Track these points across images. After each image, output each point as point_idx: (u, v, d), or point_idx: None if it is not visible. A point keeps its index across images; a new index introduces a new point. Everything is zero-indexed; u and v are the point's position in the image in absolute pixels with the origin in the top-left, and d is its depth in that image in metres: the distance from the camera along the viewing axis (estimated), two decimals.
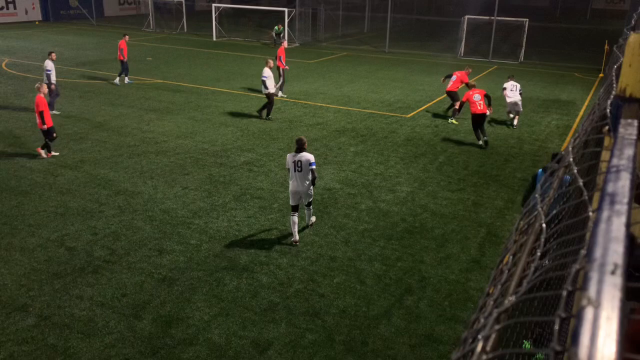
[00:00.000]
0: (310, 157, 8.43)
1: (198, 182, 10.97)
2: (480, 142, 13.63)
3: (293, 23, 31.17)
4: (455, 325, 6.78)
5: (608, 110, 1.52)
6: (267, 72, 15.04)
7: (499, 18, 27.35)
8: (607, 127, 1.45)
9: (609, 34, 27.66)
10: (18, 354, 6.07)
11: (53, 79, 15.28)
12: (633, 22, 8.81)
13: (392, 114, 16.53)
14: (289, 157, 8.53)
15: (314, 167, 8.44)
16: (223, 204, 9.96)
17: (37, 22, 37.75)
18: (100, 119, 15.14)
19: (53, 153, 12.14)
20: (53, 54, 15.66)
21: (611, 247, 0.67)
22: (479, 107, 13.45)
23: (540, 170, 9.62)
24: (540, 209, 1.45)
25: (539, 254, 1.21)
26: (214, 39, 32.53)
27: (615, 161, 1.01)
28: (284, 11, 30.11)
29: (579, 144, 1.84)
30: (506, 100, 15.44)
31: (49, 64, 15.25)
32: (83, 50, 26.99)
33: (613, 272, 0.62)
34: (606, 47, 23.98)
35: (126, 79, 19.21)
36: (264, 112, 15.67)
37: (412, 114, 16.73)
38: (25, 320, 6.63)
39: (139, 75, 20.38)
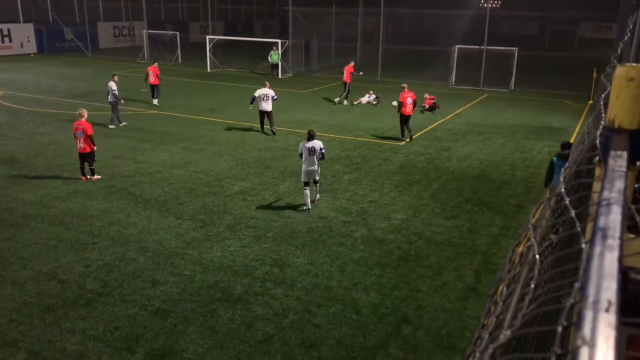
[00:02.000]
0: (320, 144, 10.91)
1: (192, 212, 10.92)
2: (406, 139, 16.72)
3: (286, 54, 31.58)
4: (453, 354, 6.69)
5: (598, 141, 1.53)
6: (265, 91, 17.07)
7: (489, 47, 27.84)
8: (597, 158, 1.46)
9: (597, 62, 28.16)
10: None
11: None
12: (619, 50, 8.99)
13: (385, 142, 16.64)
14: (302, 145, 10.91)
15: (323, 151, 10.95)
16: (217, 234, 9.90)
17: (32, 55, 38.08)
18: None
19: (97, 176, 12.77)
20: (115, 77, 17.98)
21: (604, 284, 0.67)
22: (407, 109, 16.38)
23: (555, 157, 9.30)
24: (533, 239, 1.45)
25: (533, 285, 1.21)
26: (208, 69, 32.87)
27: (606, 194, 1.01)
28: (277, 42, 30.54)
29: (569, 174, 1.85)
30: None
31: (113, 85, 17.48)
32: (77, 82, 27.17)
33: (607, 310, 0.62)
34: (594, 74, 24.39)
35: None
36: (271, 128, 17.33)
37: (405, 141, 16.84)
38: (15, 355, 6.49)
39: (134, 106, 20.48)
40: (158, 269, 8.61)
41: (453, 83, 28.54)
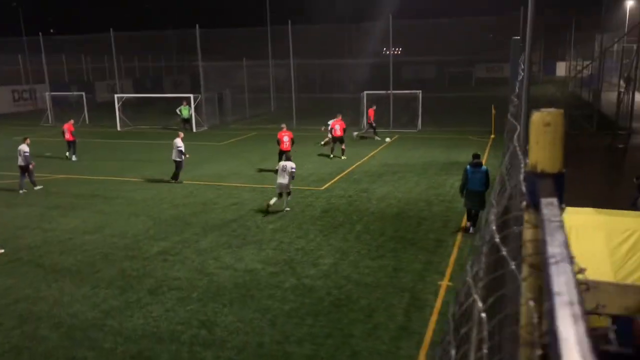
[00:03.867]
0: (293, 165, 14.04)
1: (109, 279, 10.28)
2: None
3: (200, 108, 31.41)
4: None
5: (523, 187, 1.59)
6: (179, 142, 17.55)
7: (395, 92, 29.30)
8: (524, 203, 1.51)
9: (493, 99, 30.44)
10: None
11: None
12: (517, 89, 9.75)
13: (306, 188, 16.76)
14: (280, 164, 14.27)
15: (294, 170, 13.96)
16: (137, 300, 9.35)
17: None
18: None
19: None
20: (27, 139, 17.17)
21: None
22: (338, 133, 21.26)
23: (468, 166, 12.20)
24: (476, 296, 1.44)
25: (485, 350, 1.19)
26: (118, 128, 31.89)
27: (551, 250, 1.03)
28: (189, 97, 30.34)
29: (499, 222, 1.89)
30: None
31: (25, 147, 16.71)
32: None
33: None
34: (493, 110, 26.24)
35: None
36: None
37: (325, 186, 17.07)
38: None
39: (39, 172, 19.30)
40: (74, 345, 7.93)
41: (364, 126, 29.56)
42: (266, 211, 14.03)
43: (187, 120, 30.18)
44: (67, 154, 22.71)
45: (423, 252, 11.31)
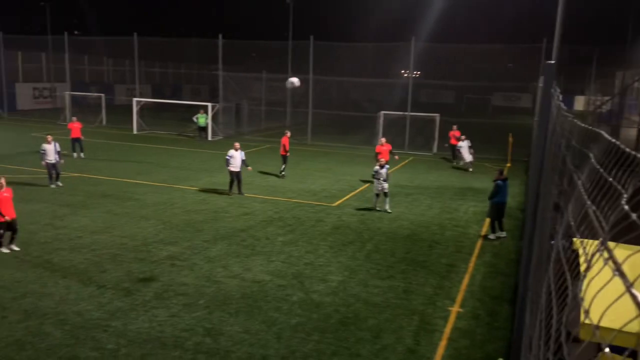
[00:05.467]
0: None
1: (116, 280, 10.20)
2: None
3: (217, 117, 31.57)
4: None
5: None
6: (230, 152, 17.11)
7: (412, 113, 29.25)
8: None
9: (510, 127, 30.31)
10: None
11: (48, 158, 16.91)
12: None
13: (318, 203, 16.66)
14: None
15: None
16: (143, 303, 9.26)
17: None
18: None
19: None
20: (49, 137, 17.24)
21: None
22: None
23: (500, 181, 13.48)
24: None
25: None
26: (135, 132, 32.11)
27: None
28: (206, 105, 30.52)
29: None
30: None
31: (46, 146, 16.90)
32: None
33: None
34: (510, 139, 26.09)
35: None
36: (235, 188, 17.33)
37: (337, 202, 16.96)
38: None
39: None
40: (78, 343, 7.83)
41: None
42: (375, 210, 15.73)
43: (203, 129, 30.31)
44: (75, 153, 22.82)
45: (434, 276, 11.13)
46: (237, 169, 17.00)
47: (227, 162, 17.03)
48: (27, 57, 43.53)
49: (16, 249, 11.38)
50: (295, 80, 11.54)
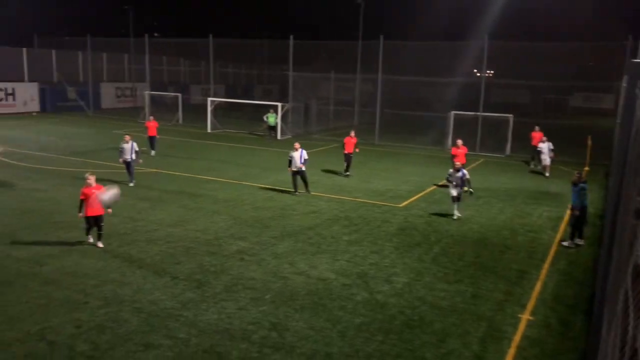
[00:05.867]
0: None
1: (188, 271, 10.65)
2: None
3: (286, 116, 32.13)
4: None
5: None
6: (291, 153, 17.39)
7: (484, 114, 28.42)
8: None
9: (589, 130, 28.77)
10: None
11: (125, 156, 17.59)
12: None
13: (384, 204, 16.58)
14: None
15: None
16: (213, 295, 9.61)
17: (34, 113, 38.57)
18: None
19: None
20: (127, 136, 17.79)
21: None
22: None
23: (582, 184, 13.01)
24: None
25: None
26: (208, 130, 33.28)
27: None
28: (276, 105, 31.12)
29: None
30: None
31: (124, 145, 17.53)
32: (77, 140, 27.37)
33: None
34: (589, 142, 24.77)
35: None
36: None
37: (404, 203, 16.79)
38: None
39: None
40: (152, 331, 8.26)
41: (449, 147, 28.89)
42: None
43: (273, 128, 30.92)
44: (153, 151, 23.70)
45: (504, 281, 10.79)
46: (299, 169, 17.16)
47: (289, 163, 17.31)
48: (111, 58, 46.20)
49: (101, 246, 11.87)
50: (108, 196, 10.01)
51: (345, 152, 20.81)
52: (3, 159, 21.27)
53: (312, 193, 17.40)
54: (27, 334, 8.02)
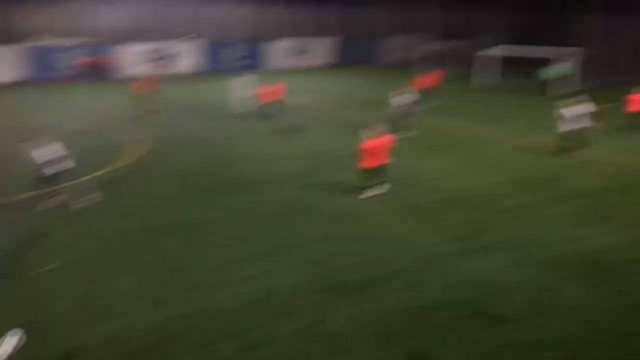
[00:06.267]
0: None
1: (457, 222, 10.89)
2: None
3: (574, 68, 28.62)
4: None
5: None
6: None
7: None
8: None
9: None
10: None
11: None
12: None
13: None
14: None
15: None
16: (484, 247, 9.70)
17: (331, 67, 41.62)
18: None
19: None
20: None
21: None
22: None
23: None
24: None
25: None
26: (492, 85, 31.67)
27: None
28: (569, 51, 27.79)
29: None
30: None
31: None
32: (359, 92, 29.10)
33: None
34: None
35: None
36: None
37: None
38: None
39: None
40: (422, 271, 8.85)
41: None
42: None
43: (554, 81, 27.96)
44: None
45: None
46: (572, 128, 15.42)
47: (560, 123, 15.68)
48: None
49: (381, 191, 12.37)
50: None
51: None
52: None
53: (590, 158, 15.56)
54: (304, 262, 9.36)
